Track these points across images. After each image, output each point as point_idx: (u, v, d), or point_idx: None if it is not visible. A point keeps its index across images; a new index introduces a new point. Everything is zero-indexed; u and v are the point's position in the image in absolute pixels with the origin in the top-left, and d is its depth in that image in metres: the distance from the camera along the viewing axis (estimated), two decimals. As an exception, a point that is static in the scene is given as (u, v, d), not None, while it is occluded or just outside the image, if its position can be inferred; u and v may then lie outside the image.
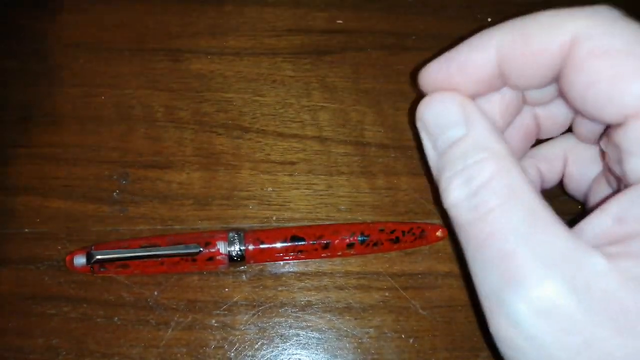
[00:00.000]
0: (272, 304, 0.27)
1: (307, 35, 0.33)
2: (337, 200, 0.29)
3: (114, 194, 0.29)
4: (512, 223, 0.16)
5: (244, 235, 0.26)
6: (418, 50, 0.33)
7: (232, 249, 0.26)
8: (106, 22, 0.33)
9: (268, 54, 0.32)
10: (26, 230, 0.28)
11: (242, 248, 0.26)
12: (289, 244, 0.26)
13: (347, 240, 0.27)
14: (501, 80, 0.20)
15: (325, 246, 0.26)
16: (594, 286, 0.16)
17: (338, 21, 0.33)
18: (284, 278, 0.28)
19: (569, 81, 0.18)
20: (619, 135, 0.17)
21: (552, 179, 0.26)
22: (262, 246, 0.26)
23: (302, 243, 0.26)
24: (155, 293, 0.27)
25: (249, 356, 0.26)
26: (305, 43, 0.33)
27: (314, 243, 0.26)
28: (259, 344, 0.26)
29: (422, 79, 0.21)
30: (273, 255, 0.27)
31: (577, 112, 0.19)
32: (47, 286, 0.27)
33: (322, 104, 0.31)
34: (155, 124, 0.30)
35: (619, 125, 0.17)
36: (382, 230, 0.27)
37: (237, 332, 0.27)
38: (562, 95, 0.19)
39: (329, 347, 0.27)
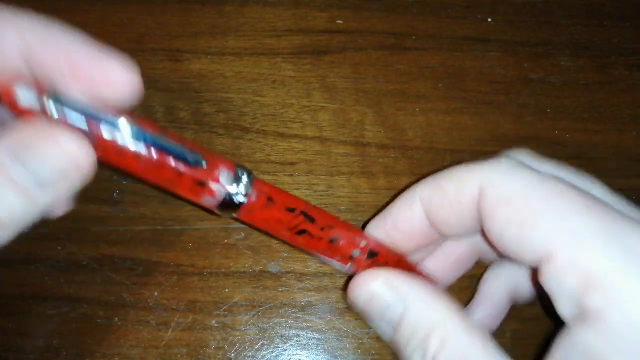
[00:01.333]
0: (272, 304, 0.27)
1: (307, 35, 0.33)
2: (337, 201, 0.29)
3: (114, 194, 0.29)
4: None
5: (253, 180, 0.21)
6: (418, 50, 0.33)
7: (233, 186, 0.20)
8: (106, 22, 0.33)
9: (268, 54, 0.32)
10: (26, 230, 0.28)
11: (245, 192, 0.20)
12: (295, 216, 0.22)
13: (355, 246, 0.23)
14: (436, 232, 0.22)
15: (331, 240, 0.22)
16: None
17: (338, 21, 0.33)
18: (284, 278, 0.28)
19: (487, 230, 0.19)
20: (541, 279, 0.18)
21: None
22: (266, 202, 0.21)
23: (310, 223, 0.22)
24: (155, 293, 0.27)
25: (249, 356, 0.26)
26: (305, 43, 0.33)
27: (322, 229, 0.22)
28: (259, 344, 0.26)
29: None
30: (270, 223, 0.22)
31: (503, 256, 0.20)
32: (47, 286, 0.27)
33: (322, 104, 0.31)
34: (155, 124, 0.30)
35: (537, 267, 0.18)
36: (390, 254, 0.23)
37: (237, 333, 0.27)
38: (488, 243, 0.20)
39: (329, 347, 0.27)
